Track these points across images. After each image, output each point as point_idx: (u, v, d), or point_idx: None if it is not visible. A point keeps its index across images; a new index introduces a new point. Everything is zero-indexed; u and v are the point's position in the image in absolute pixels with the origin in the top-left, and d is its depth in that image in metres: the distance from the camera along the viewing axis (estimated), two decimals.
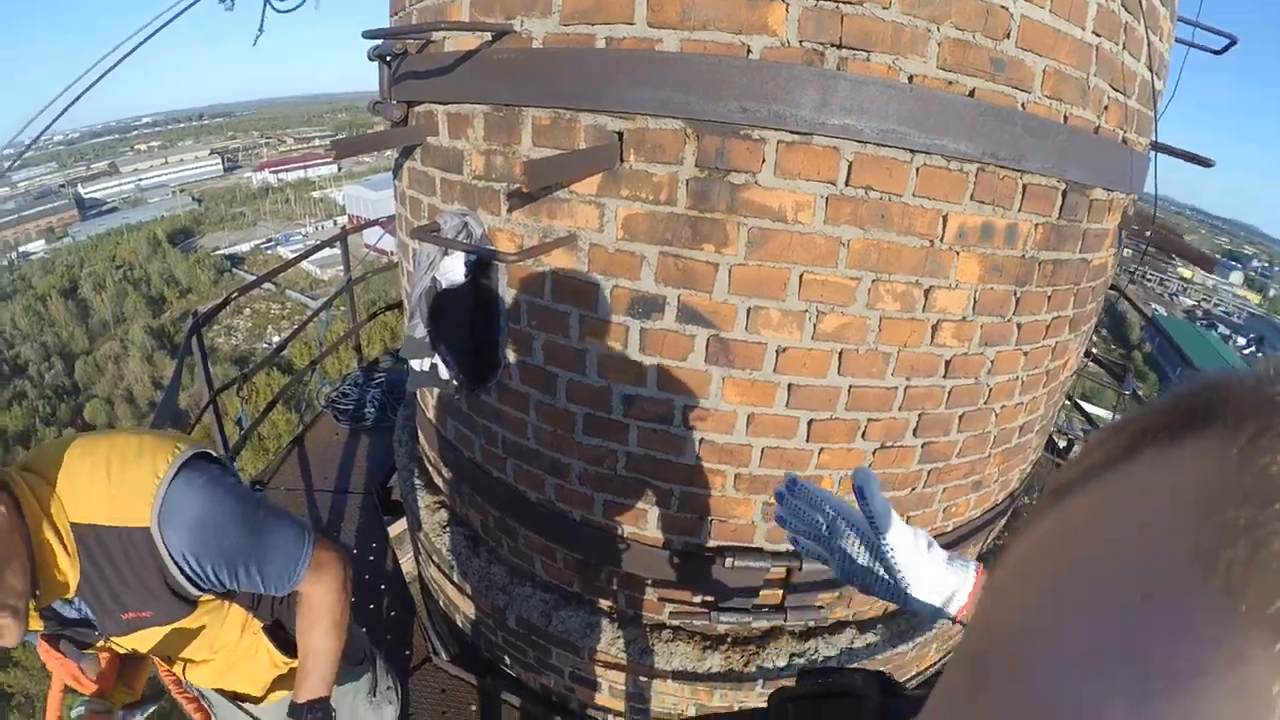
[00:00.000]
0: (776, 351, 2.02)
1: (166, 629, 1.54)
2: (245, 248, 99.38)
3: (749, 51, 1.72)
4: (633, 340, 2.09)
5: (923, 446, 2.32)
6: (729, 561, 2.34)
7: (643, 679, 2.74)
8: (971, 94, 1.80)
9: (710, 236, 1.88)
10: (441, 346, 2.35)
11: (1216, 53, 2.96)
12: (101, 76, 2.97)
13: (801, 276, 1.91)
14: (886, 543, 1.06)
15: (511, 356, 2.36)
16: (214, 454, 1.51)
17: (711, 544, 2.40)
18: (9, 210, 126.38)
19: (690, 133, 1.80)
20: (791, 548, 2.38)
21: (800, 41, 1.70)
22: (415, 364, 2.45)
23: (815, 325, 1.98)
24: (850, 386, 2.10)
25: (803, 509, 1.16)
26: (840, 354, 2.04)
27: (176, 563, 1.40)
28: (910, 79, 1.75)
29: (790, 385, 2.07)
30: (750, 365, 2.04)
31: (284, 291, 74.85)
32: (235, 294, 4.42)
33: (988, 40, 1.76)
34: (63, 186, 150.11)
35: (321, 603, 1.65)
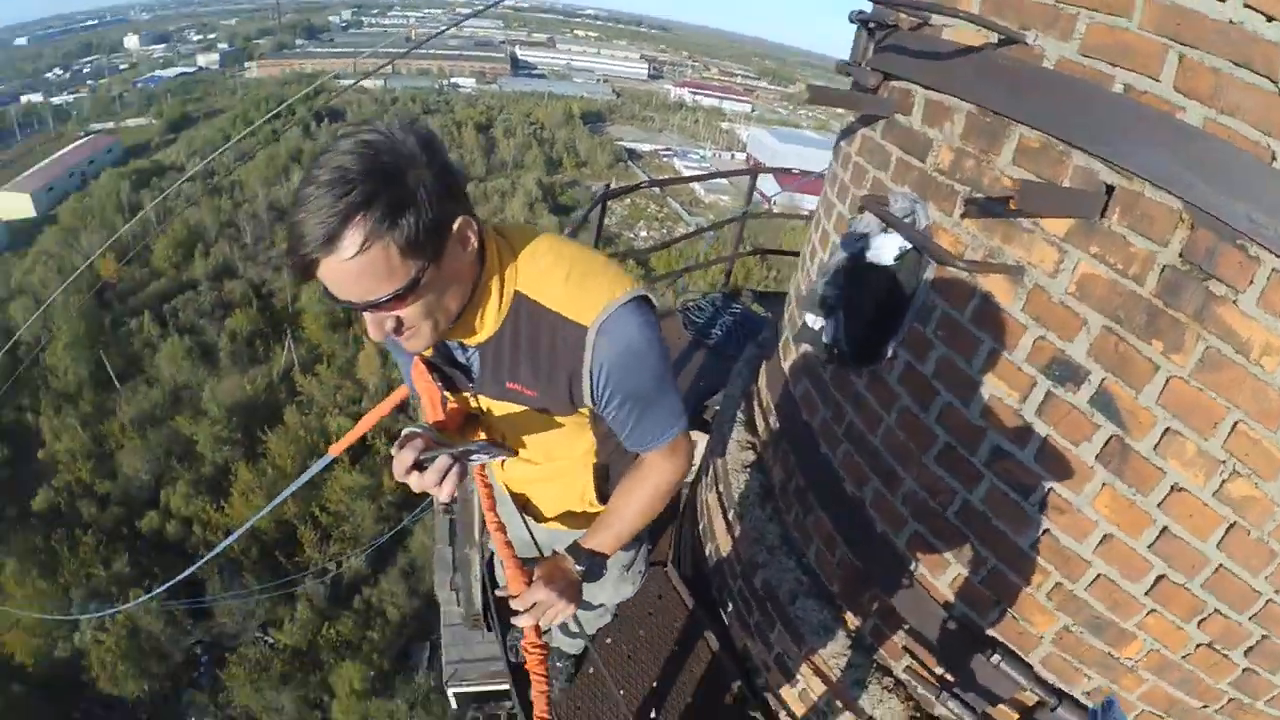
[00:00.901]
0: (1171, 487, 1.83)
1: (532, 415, 1.67)
2: (645, 148, 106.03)
3: (1273, 159, 1.52)
4: (1034, 400, 2.00)
5: (1243, 671, 2.00)
6: (995, 658, 2.22)
7: (838, 704, 2.72)
8: None
9: (1164, 335, 1.74)
10: (839, 313, 2.42)
11: None
12: None
13: (1235, 424, 1.70)
14: None
15: (900, 354, 2.35)
16: (655, 305, 1.58)
17: (988, 630, 2.30)
18: (451, 47, 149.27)
19: (1186, 218, 1.65)
20: (1057, 683, 2.23)
21: None
22: (808, 318, 2.54)
23: (1223, 482, 1.76)
24: (1219, 565, 1.86)
25: None
26: (1230, 527, 1.80)
27: (592, 371, 1.49)
28: None
29: (1164, 529, 1.88)
30: (1139, 486, 1.88)
31: (666, 198, 79.88)
32: (646, 184, 4.80)
33: None
34: (502, 43, 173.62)
35: (656, 479, 1.75)
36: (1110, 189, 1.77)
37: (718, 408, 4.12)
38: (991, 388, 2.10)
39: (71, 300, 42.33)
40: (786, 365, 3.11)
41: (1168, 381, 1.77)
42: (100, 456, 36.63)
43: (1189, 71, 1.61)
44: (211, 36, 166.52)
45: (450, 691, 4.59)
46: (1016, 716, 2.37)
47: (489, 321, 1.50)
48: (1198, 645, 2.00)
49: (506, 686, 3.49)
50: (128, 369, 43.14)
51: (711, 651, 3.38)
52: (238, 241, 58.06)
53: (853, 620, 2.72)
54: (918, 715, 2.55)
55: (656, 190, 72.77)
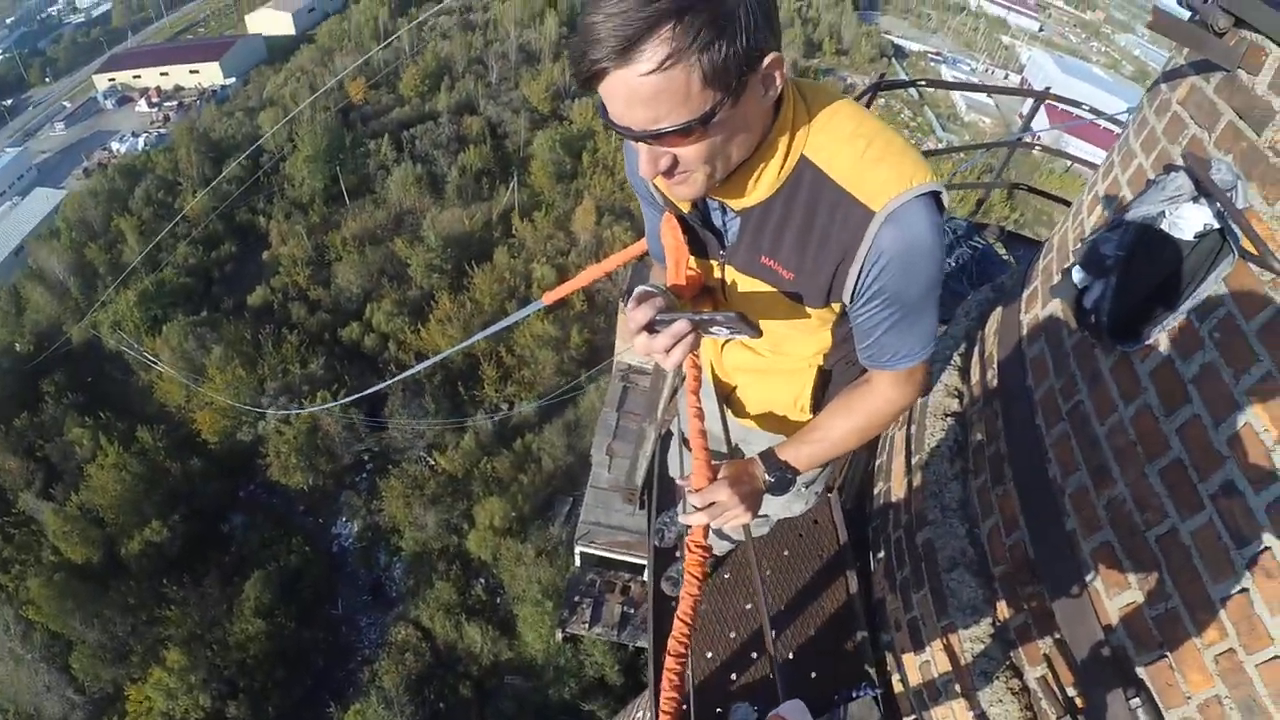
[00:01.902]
0: None
1: (777, 300, 1.60)
2: (914, 47, 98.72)
3: None
4: None
5: None
6: (1133, 700, 2.07)
7: (956, 689, 2.66)
8: None
9: None
10: (1114, 277, 2.20)
11: None
12: None
13: None
14: None
15: (1162, 344, 2.11)
16: (945, 207, 1.46)
17: (1139, 669, 2.12)
18: None
19: None
20: None
21: None
22: (1078, 274, 2.33)
23: None
24: None
25: None
26: None
27: (866, 259, 1.40)
28: None
29: None
30: None
31: (923, 105, 75.04)
32: (922, 82, 4.56)
33: None
34: None
35: (878, 404, 1.67)
36: None
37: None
38: (1251, 415, 1.85)
39: (318, 116, 47.60)
40: (1025, 319, 2.88)
41: None
42: (319, 265, 41.69)
43: None
44: None
45: (578, 549, 4.88)
46: None
47: (765, 184, 1.42)
48: None
49: (628, 558, 3.64)
50: (359, 187, 47.80)
51: (848, 593, 3.36)
52: (483, 79, 60.81)
53: (1004, 610, 2.60)
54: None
55: (914, 94, 68.65)
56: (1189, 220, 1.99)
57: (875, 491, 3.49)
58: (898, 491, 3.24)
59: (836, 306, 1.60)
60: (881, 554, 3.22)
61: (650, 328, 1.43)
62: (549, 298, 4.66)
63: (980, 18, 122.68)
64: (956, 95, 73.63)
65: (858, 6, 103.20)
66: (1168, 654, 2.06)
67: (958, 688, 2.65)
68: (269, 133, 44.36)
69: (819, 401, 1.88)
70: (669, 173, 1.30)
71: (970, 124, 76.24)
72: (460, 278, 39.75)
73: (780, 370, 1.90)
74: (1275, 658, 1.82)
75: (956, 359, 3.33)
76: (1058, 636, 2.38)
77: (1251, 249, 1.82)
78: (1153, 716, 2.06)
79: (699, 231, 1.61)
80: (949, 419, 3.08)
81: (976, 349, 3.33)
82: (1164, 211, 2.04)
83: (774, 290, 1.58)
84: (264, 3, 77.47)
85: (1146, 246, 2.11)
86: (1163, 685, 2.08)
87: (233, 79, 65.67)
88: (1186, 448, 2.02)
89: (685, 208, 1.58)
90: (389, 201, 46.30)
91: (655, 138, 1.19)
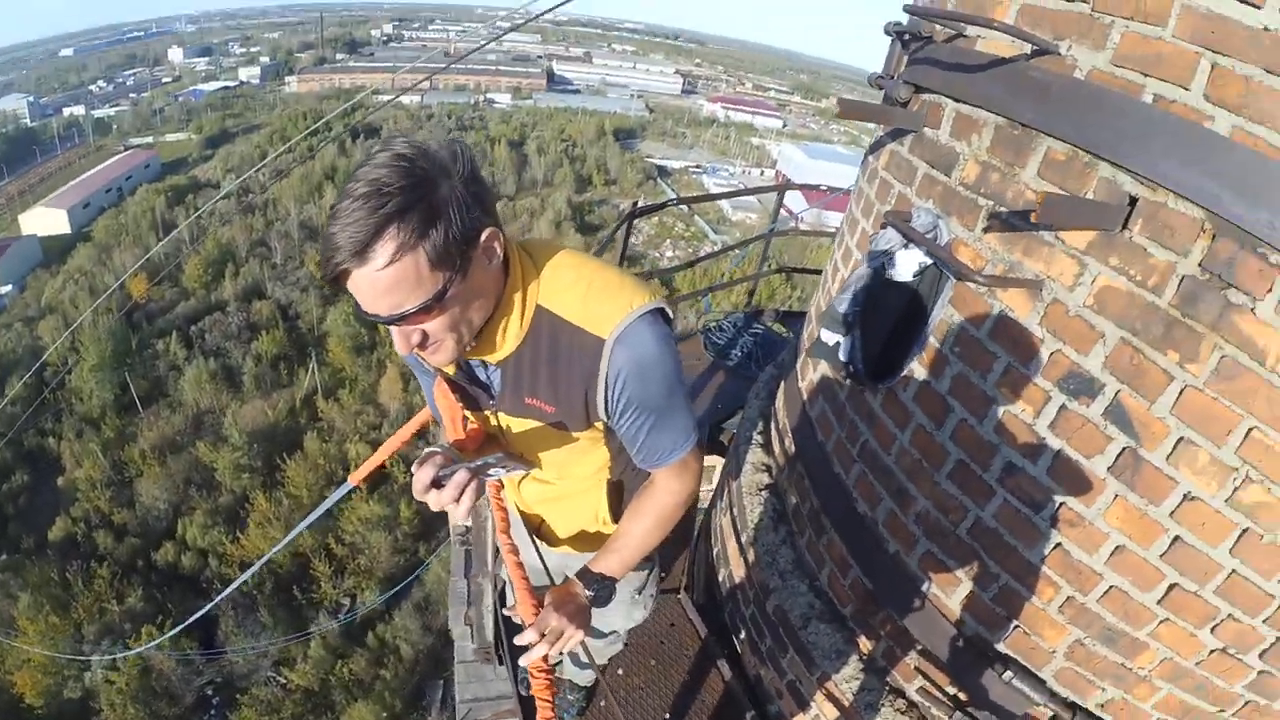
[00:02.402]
0: (1183, 496, 1.84)
1: (549, 432, 1.70)
2: (675, 164, 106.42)
3: None
4: (1047, 414, 2.02)
5: (1259, 674, 1.99)
6: (1006, 675, 2.23)
7: None
8: None
9: (1180, 345, 1.76)
10: (857, 330, 2.44)
11: None
12: None
13: (1249, 431, 1.71)
14: None
15: (916, 371, 2.37)
16: (671, 316, 1.63)
17: (999, 647, 2.29)
18: (489, 61, 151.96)
19: (1208, 228, 1.67)
20: (1071, 698, 2.22)
21: None
22: (825, 334, 2.56)
23: (1235, 489, 1.77)
24: (1232, 570, 1.86)
25: None
26: (1243, 532, 1.81)
27: (607, 379, 1.52)
28: None
29: (1176, 538, 1.89)
30: (1150, 497, 1.89)
31: (694, 215, 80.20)
32: (674, 201, 4.88)
33: None
34: (539, 57, 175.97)
35: (666, 499, 1.77)
36: (1134, 200, 1.79)
37: (735, 430, 4.13)
38: (1006, 403, 2.12)
39: (100, 321, 43.13)
40: (804, 385, 3.13)
41: (1182, 391, 1.79)
42: (119, 484, 36.88)
43: (1220, 80, 1.63)
44: (254, 50, 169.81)
45: None
46: None
47: (511, 336, 1.54)
48: (1211, 651, 2.00)
49: None
50: (152, 392, 43.73)
51: (724, 680, 3.36)
52: (268, 261, 59.00)
53: (865, 643, 2.71)
54: None
55: (684, 208, 73.33)
56: (905, 264, 2.27)
57: (720, 579, 3.54)
58: (739, 572, 3.31)
59: (600, 425, 1.71)
60: (743, 634, 3.25)
61: (436, 484, 1.49)
62: (355, 478, 4.53)
63: (729, 127, 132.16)
64: (723, 200, 78.76)
65: (619, 137, 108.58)
66: (1019, 624, 2.25)
67: None
68: (52, 348, 39.70)
69: (618, 511, 1.98)
70: (422, 345, 1.39)
71: (738, 222, 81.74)
72: (272, 473, 36.48)
73: (573, 493, 1.99)
74: (1109, 589, 2.04)
75: (758, 437, 3.51)
76: (920, 648, 2.51)
77: (962, 276, 2.09)
78: (1029, 681, 2.22)
79: (468, 388, 1.72)
80: (764, 492, 3.22)
81: (773, 423, 3.53)
82: (884, 263, 2.30)
83: (543, 424, 1.68)
84: (37, 201, 71.39)
85: (877, 296, 2.36)
86: (1026, 651, 2.26)
87: (9, 286, 59.85)
88: (963, 449, 2.26)
89: (451, 370, 1.69)
90: (185, 403, 42.61)
91: (401, 320, 1.29)
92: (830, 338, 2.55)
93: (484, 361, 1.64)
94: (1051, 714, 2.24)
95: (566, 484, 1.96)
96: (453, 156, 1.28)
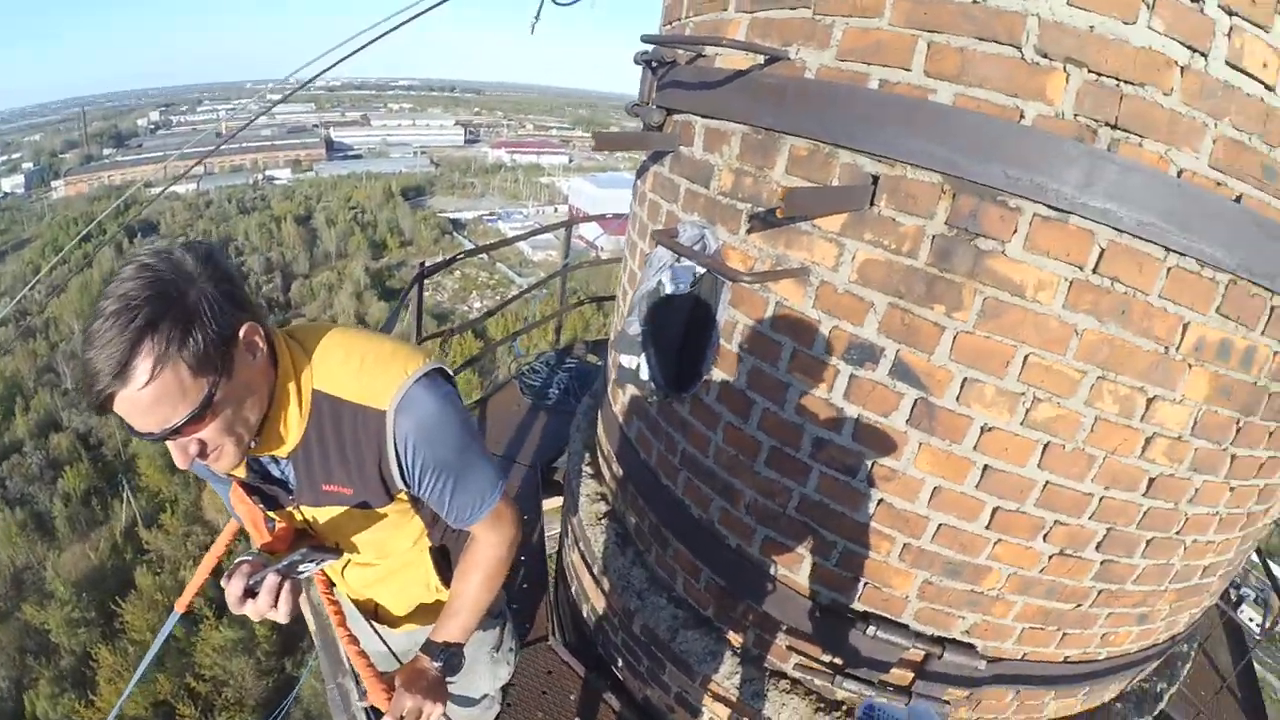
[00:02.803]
0: (981, 429, 1.95)
1: (356, 514, 1.64)
2: (469, 215, 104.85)
3: (1021, 116, 1.69)
4: (840, 385, 2.08)
5: (1101, 563, 2.17)
6: (870, 630, 2.27)
7: None
8: (1238, 199, 1.70)
9: (944, 297, 1.86)
10: (651, 348, 2.43)
11: None
12: (378, 38, 3.27)
13: (1026, 358, 1.85)
14: None
15: (714, 373, 2.39)
16: (451, 376, 1.63)
17: (857, 607, 2.34)
18: (264, 137, 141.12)
19: (947, 189, 1.79)
20: (936, 633, 2.31)
21: (1075, 115, 1.66)
22: (624, 359, 2.54)
23: (1028, 411, 1.91)
24: (1046, 482, 2.00)
25: None
26: (1045, 446, 1.95)
27: (397, 449, 1.49)
28: (1179, 173, 1.67)
29: (986, 467, 2.00)
30: (951, 437, 1.99)
31: (495, 263, 78.74)
32: (461, 255, 4.76)
33: (1263, 145, 1.67)
34: (315, 126, 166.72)
35: (488, 553, 1.74)
36: (875, 179, 1.88)
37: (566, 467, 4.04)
38: (801, 385, 2.17)
39: None
40: (618, 409, 3.10)
41: (955, 338, 1.89)
42: None
43: (937, 55, 1.75)
44: (15, 156, 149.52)
45: None
46: (911, 674, 2.42)
47: (294, 427, 1.48)
48: (1050, 557, 2.14)
49: None
50: None
51: (615, 712, 3.27)
52: (58, 388, 52.85)
53: (735, 637, 2.70)
54: (821, 705, 2.56)
55: (484, 257, 72.08)
56: (681, 277, 2.29)
57: (585, 615, 3.45)
58: (599, 603, 3.24)
59: (404, 497, 1.67)
60: (620, 661, 3.18)
61: (250, 593, 1.44)
62: (181, 605, 4.10)
63: (517, 170, 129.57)
64: (519, 243, 76.83)
65: (408, 197, 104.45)
66: (866, 580, 2.31)
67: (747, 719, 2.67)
68: None
69: (448, 576, 1.91)
70: (203, 455, 1.32)
71: (540, 262, 79.63)
72: (110, 621, 32.39)
73: (398, 569, 1.92)
74: (940, 527, 2.13)
75: (587, 469, 3.44)
76: (786, 627, 2.53)
77: (731, 278, 2.12)
78: (892, 629, 2.28)
79: (264, 488, 1.64)
80: (604, 520, 3.17)
81: (598, 452, 3.48)
82: (660, 280, 2.29)
83: (348, 508, 1.63)
84: None
85: (663, 311, 2.36)
86: (881, 602, 2.32)
87: None
88: (772, 435, 2.30)
89: (242, 473, 1.61)
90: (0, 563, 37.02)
91: (174, 433, 1.22)
92: (629, 361, 2.53)
93: (274, 457, 1.57)
94: (923, 652, 2.31)
95: (389, 561, 1.89)
96: (199, 258, 1.24)
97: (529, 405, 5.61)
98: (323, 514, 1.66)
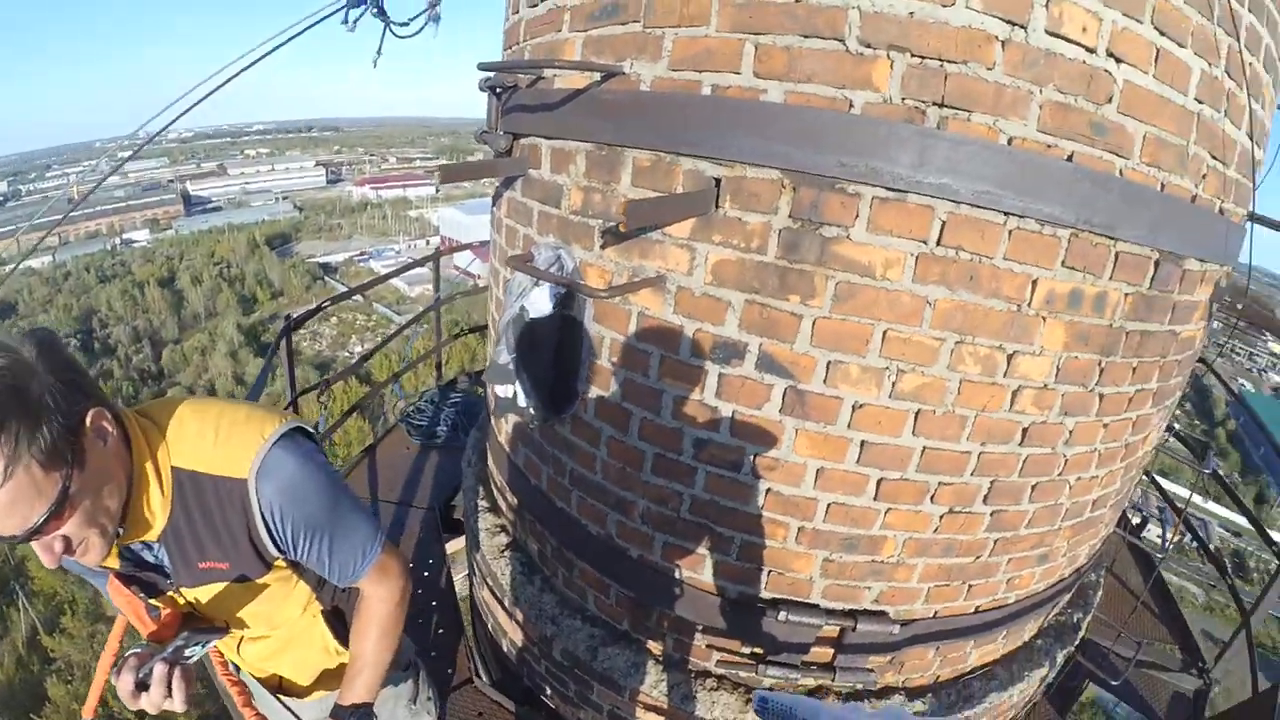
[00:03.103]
0: (853, 407, 1.97)
1: (235, 587, 1.57)
2: (339, 258, 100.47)
3: (851, 106, 1.71)
4: (710, 385, 2.07)
5: (992, 514, 2.23)
6: (782, 615, 2.27)
7: None
8: (1070, 158, 1.76)
9: (797, 287, 1.87)
10: (523, 374, 2.36)
11: None
12: (224, 84, 3.10)
13: (885, 333, 1.88)
14: None
15: (589, 390, 2.35)
16: (312, 433, 1.57)
17: (766, 595, 2.34)
18: (118, 198, 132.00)
19: (787, 183, 1.80)
20: (846, 607, 2.33)
21: (902, 99, 1.69)
22: (499, 389, 2.46)
23: (894, 384, 1.94)
24: (924, 448, 2.04)
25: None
26: (917, 414, 1.99)
27: (263, 516, 1.44)
28: (1009, 141, 1.72)
29: (863, 442, 2.02)
30: (825, 419, 2.00)
31: (371, 304, 75.77)
32: (327, 303, 4.53)
33: (1089, 104, 1.74)
34: (171, 181, 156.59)
35: (379, 608, 1.69)
36: (718, 181, 1.88)
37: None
38: (673, 389, 2.15)
39: None
40: (503, 439, 3.03)
41: (814, 324, 1.91)
42: None
43: (765, 56, 1.75)
44: None
45: None
46: (831, 650, 2.43)
47: (158, 508, 1.41)
48: (941, 517, 2.18)
49: None
50: None
51: None
52: None
53: (654, 646, 2.66)
54: (750, 696, 2.54)
55: (360, 299, 69.82)
56: (542, 300, 2.21)
57: (505, 650, 3.35)
58: (517, 636, 3.15)
59: (281, 564, 1.62)
60: (548, 689, 3.09)
61: (142, 686, 1.39)
62: (88, 711, 3.79)
63: (383, 205, 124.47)
64: (393, 281, 72.39)
65: (274, 245, 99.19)
66: (769, 568, 2.31)
67: None
68: None
69: (346, 637, 1.84)
70: (69, 550, 1.26)
71: (418, 297, 75.83)
72: None
73: (293, 638, 1.84)
74: (829, 506, 2.15)
75: (482, 503, 3.35)
76: (701, 627, 2.51)
77: (590, 294, 2.09)
78: (804, 611, 2.29)
79: (141, 576, 1.57)
80: (507, 552, 3.08)
81: (491, 483, 3.39)
82: (522, 306, 2.23)
83: (227, 583, 1.57)
84: None
85: (531, 336, 2.30)
86: (787, 587, 2.33)
87: None
88: (654, 443, 2.28)
89: (115, 564, 1.53)
90: None
91: (36, 533, 1.17)
92: (504, 390, 2.45)
93: (145, 542, 1.51)
94: (838, 627, 2.33)
95: (281, 632, 1.80)
96: (37, 349, 1.17)
97: (418, 447, 5.41)
98: (204, 593, 1.58)
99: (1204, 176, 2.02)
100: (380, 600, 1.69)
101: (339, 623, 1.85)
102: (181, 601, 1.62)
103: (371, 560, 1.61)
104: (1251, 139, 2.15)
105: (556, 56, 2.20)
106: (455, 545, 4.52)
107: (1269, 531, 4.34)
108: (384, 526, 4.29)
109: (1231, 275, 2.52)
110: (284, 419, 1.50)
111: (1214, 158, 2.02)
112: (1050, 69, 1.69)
